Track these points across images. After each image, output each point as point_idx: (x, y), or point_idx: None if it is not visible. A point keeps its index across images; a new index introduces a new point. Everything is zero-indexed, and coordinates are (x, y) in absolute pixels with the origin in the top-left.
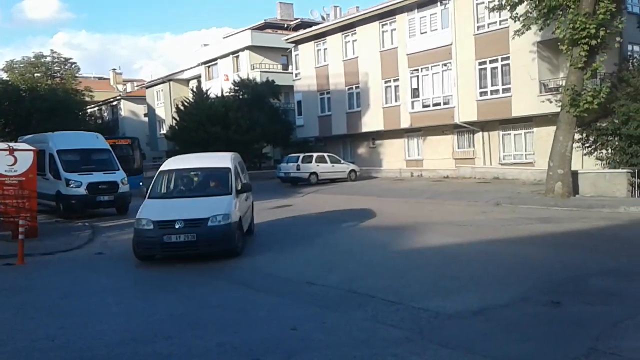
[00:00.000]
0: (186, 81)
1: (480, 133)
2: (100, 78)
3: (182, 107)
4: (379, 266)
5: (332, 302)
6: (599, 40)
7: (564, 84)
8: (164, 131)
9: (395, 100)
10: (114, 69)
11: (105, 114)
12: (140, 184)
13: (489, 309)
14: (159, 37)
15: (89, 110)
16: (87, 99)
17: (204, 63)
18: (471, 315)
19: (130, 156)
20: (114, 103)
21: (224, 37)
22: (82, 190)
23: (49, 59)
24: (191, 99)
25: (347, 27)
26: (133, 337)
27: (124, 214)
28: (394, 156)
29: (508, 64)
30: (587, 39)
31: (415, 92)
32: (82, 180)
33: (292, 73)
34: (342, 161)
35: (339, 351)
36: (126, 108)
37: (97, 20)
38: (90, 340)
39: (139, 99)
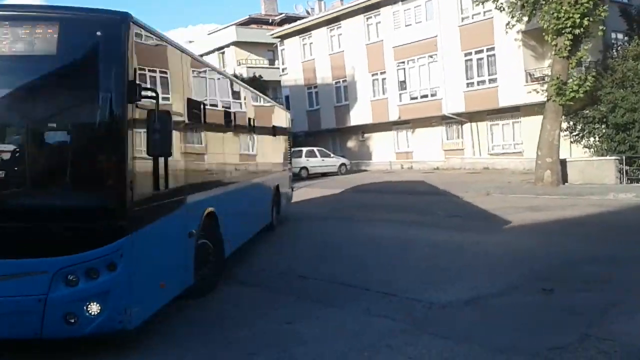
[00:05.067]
0: None
1: (469, 124)
2: None
3: None
4: (372, 259)
5: (325, 296)
6: (582, 29)
7: (549, 73)
8: None
9: (383, 93)
10: None
11: None
12: None
13: (481, 299)
14: None
15: None
16: None
17: None
18: (463, 305)
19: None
20: None
21: (208, 34)
22: None
23: None
24: None
25: (332, 21)
26: None
27: None
28: (383, 149)
29: (494, 55)
30: (571, 28)
31: (402, 85)
32: None
33: (278, 68)
34: (332, 155)
35: (334, 344)
36: None
37: None
38: None
39: None
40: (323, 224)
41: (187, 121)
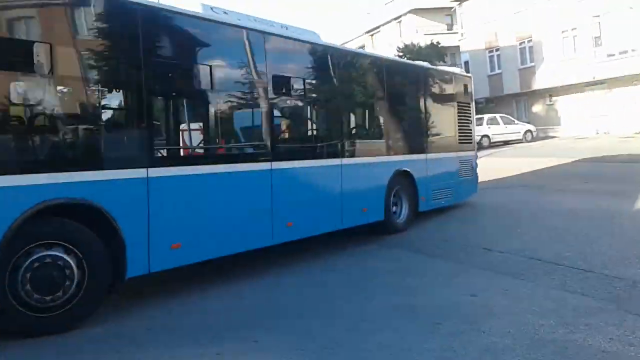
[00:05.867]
0: None
1: None
2: None
3: None
4: (564, 232)
5: (513, 269)
6: None
7: None
8: None
9: (574, 52)
10: None
11: None
12: None
13: None
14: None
15: None
16: None
17: (368, 32)
18: None
19: None
20: None
21: (385, 4)
22: None
23: None
24: None
25: None
26: None
27: None
28: (574, 113)
29: None
30: None
31: (597, 41)
32: None
33: (457, 33)
34: (516, 121)
35: (524, 319)
36: None
37: None
38: None
39: None
40: (510, 194)
41: None
